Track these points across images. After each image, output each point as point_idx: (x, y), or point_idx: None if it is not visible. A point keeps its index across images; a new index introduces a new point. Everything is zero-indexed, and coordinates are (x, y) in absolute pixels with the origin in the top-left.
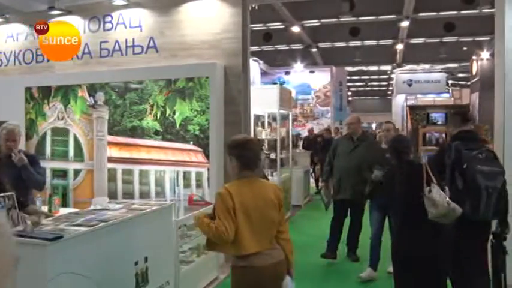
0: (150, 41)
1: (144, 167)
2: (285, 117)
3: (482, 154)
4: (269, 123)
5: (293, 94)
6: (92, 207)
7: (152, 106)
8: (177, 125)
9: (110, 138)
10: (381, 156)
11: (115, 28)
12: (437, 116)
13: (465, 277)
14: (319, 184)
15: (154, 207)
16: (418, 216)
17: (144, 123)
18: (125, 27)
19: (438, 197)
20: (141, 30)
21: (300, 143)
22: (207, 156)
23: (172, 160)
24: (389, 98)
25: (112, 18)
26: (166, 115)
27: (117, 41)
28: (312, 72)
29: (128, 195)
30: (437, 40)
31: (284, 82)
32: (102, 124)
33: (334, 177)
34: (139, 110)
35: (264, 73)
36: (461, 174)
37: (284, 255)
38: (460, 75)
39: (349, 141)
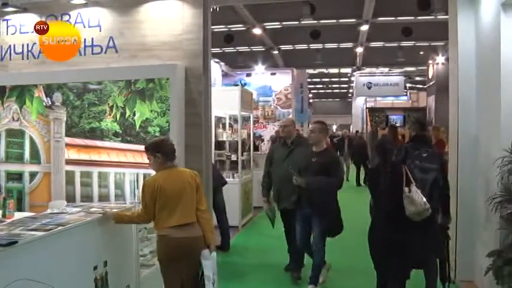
0: (109, 41)
1: (103, 169)
2: (246, 119)
3: (425, 154)
4: (230, 125)
5: (254, 96)
6: (48, 211)
7: (111, 107)
8: (137, 127)
9: (68, 140)
10: (306, 162)
11: None
12: (396, 118)
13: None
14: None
15: (113, 210)
16: (400, 210)
17: (103, 124)
18: (84, 26)
19: (416, 197)
20: (100, 30)
21: (262, 144)
22: None
23: (132, 162)
24: (349, 100)
25: (70, 17)
26: (126, 116)
27: (75, 40)
28: (273, 74)
29: (87, 198)
30: (395, 44)
31: (245, 84)
32: (60, 125)
33: (274, 186)
34: (98, 111)
35: (225, 75)
36: None
37: (202, 232)
38: (418, 78)
39: (283, 147)
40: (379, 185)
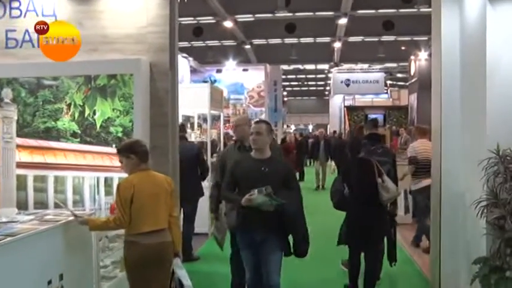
0: None
1: (60, 173)
2: (216, 119)
3: (380, 150)
4: (199, 125)
5: (225, 94)
6: None
7: (69, 105)
8: (98, 127)
9: (20, 140)
10: (252, 173)
11: (24, 15)
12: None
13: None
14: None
15: (71, 218)
16: (370, 198)
17: (60, 124)
18: (37, 14)
19: (390, 185)
20: (55, 20)
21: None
22: None
23: (92, 165)
24: (326, 98)
25: (20, 3)
26: (85, 115)
27: (27, 31)
28: (245, 70)
29: (41, 205)
30: (375, 39)
31: (215, 81)
32: (10, 125)
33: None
34: (54, 110)
35: (193, 71)
36: None
37: (171, 238)
38: (399, 75)
39: (239, 152)
40: (350, 178)
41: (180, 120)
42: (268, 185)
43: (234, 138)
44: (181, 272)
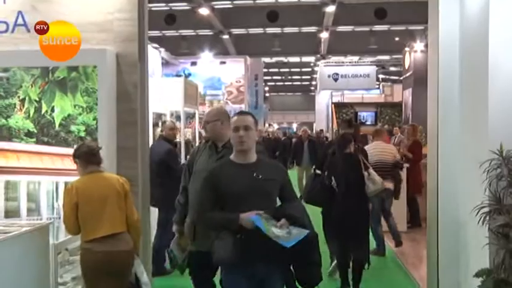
0: (18, 17)
1: (12, 178)
2: (190, 116)
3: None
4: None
5: (200, 89)
6: None
7: (23, 101)
8: (57, 125)
9: None
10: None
11: None
12: (367, 115)
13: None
14: (173, 227)
15: (24, 228)
16: (354, 189)
17: (12, 122)
18: None
19: (376, 178)
20: (4, 2)
21: None
22: None
23: (50, 168)
24: (312, 94)
25: None
26: (42, 112)
27: None
28: (222, 63)
29: None
30: (366, 28)
31: (190, 74)
32: None
33: (190, 212)
34: (5, 106)
35: (166, 63)
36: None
37: (131, 244)
38: (392, 69)
39: (211, 153)
40: (336, 172)
41: (151, 118)
42: (266, 208)
43: (204, 136)
44: (145, 281)
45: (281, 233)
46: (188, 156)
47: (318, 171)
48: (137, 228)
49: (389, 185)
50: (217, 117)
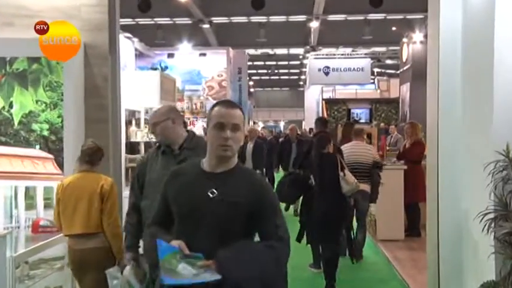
0: None
1: None
2: None
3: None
4: (147, 122)
5: (178, 83)
6: None
7: None
8: (16, 123)
9: None
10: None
11: None
12: (360, 113)
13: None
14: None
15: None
16: (331, 189)
17: None
18: None
19: (350, 178)
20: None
21: None
22: (60, 165)
23: (8, 172)
24: (301, 89)
25: None
26: None
27: None
28: (203, 55)
29: None
30: (360, 17)
31: (167, 67)
32: None
33: (146, 232)
34: None
35: (140, 55)
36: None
37: (105, 244)
38: (388, 61)
39: (167, 158)
40: (313, 171)
41: (124, 115)
42: (221, 239)
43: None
44: (114, 283)
45: (186, 271)
46: (135, 167)
47: (292, 170)
48: (112, 232)
49: (365, 186)
50: (167, 116)
